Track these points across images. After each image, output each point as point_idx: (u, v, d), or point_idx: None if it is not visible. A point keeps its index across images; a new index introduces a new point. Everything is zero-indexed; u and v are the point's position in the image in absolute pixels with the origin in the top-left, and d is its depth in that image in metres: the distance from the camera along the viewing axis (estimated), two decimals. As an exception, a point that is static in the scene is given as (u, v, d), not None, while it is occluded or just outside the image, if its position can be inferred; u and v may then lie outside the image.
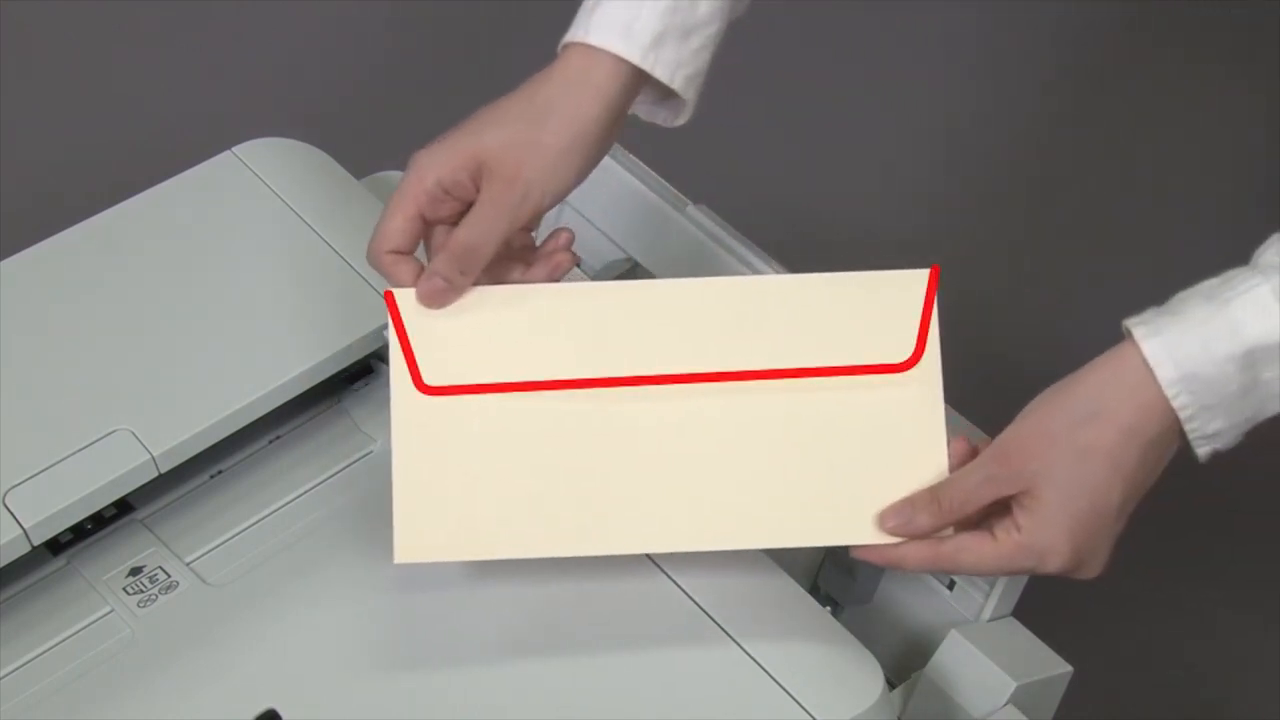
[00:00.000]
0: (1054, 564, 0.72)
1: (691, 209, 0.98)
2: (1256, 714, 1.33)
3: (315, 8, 1.79)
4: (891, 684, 0.81)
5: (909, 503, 0.74)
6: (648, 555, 0.79)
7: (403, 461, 0.73)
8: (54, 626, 0.78)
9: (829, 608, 0.89)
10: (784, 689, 0.74)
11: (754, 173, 1.55)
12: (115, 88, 1.71)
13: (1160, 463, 0.73)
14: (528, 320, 0.76)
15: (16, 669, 0.76)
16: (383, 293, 0.76)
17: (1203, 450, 0.73)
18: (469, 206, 0.76)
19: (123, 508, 0.82)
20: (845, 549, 0.87)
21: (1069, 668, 0.83)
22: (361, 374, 0.89)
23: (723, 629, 0.76)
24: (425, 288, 0.75)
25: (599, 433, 0.74)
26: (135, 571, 0.80)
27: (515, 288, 0.77)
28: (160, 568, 0.80)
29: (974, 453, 0.75)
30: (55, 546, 0.80)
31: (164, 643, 0.76)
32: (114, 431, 0.79)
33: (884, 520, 0.74)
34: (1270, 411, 0.71)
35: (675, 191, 0.98)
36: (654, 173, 0.96)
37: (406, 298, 0.75)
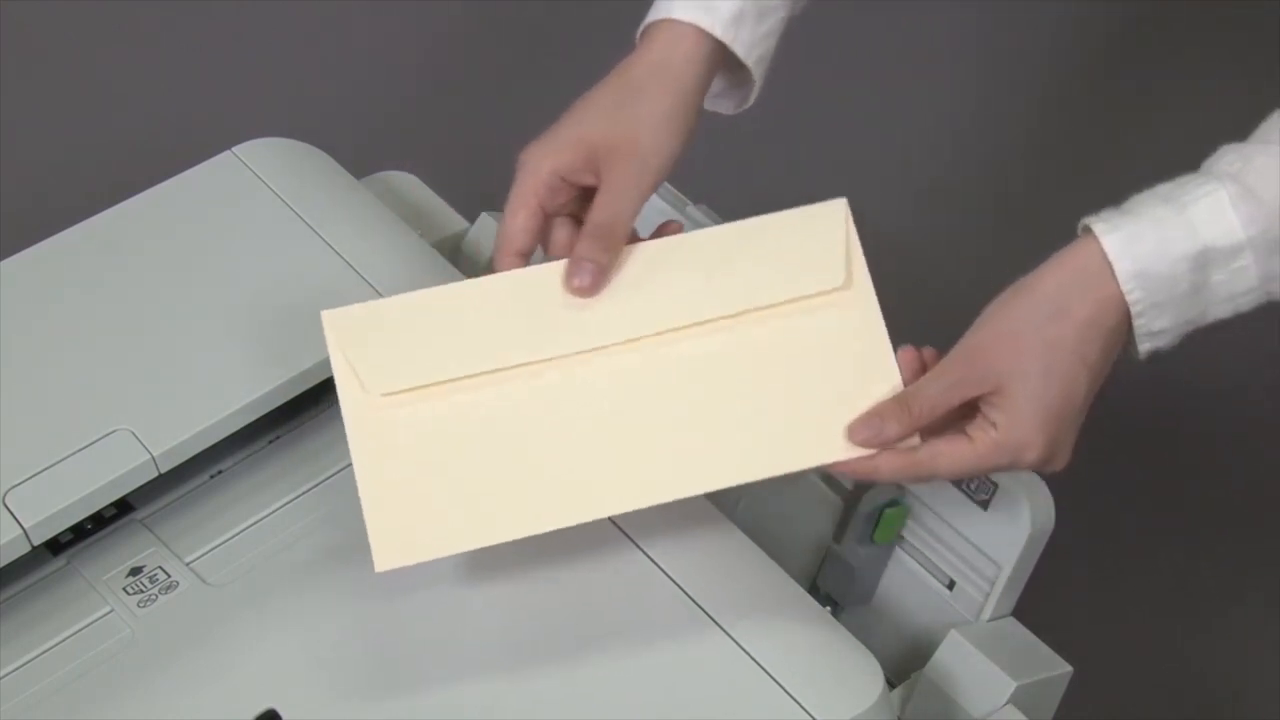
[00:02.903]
0: (1029, 458, 0.73)
1: (691, 209, 0.98)
2: (1257, 714, 1.33)
3: (315, 8, 1.79)
4: (891, 684, 0.81)
5: (876, 414, 0.74)
6: (649, 556, 0.78)
7: (365, 472, 0.73)
8: (54, 626, 0.78)
9: (829, 608, 0.89)
10: (784, 689, 0.74)
11: (754, 173, 1.55)
12: (115, 88, 1.70)
13: (1115, 353, 0.75)
14: (459, 315, 0.76)
15: (16, 669, 0.76)
16: (322, 312, 0.75)
17: (1144, 347, 0.75)
18: (584, 194, 0.77)
19: (123, 508, 0.82)
20: (844, 548, 0.88)
21: (1069, 668, 0.83)
22: (361, 374, 0.89)
23: (723, 629, 0.76)
24: (579, 276, 0.75)
25: (552, 407, 0.75)
26: (135, 571, 0.80)
27: (439, 288, 0.77)
28: (160, 568, 0.80)
29: (921, 360, 0.76)
30: (55, 546, 0.80)
31: (164, 643, 0.76)
32: (114, 431, 0.79)
33: (854, 434, 0.74)
34: (1213, 316, 0.74)
35: (675, 191, 0.98)
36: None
37: (340, 316, 0.75)
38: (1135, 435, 1.49)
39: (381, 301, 0.77)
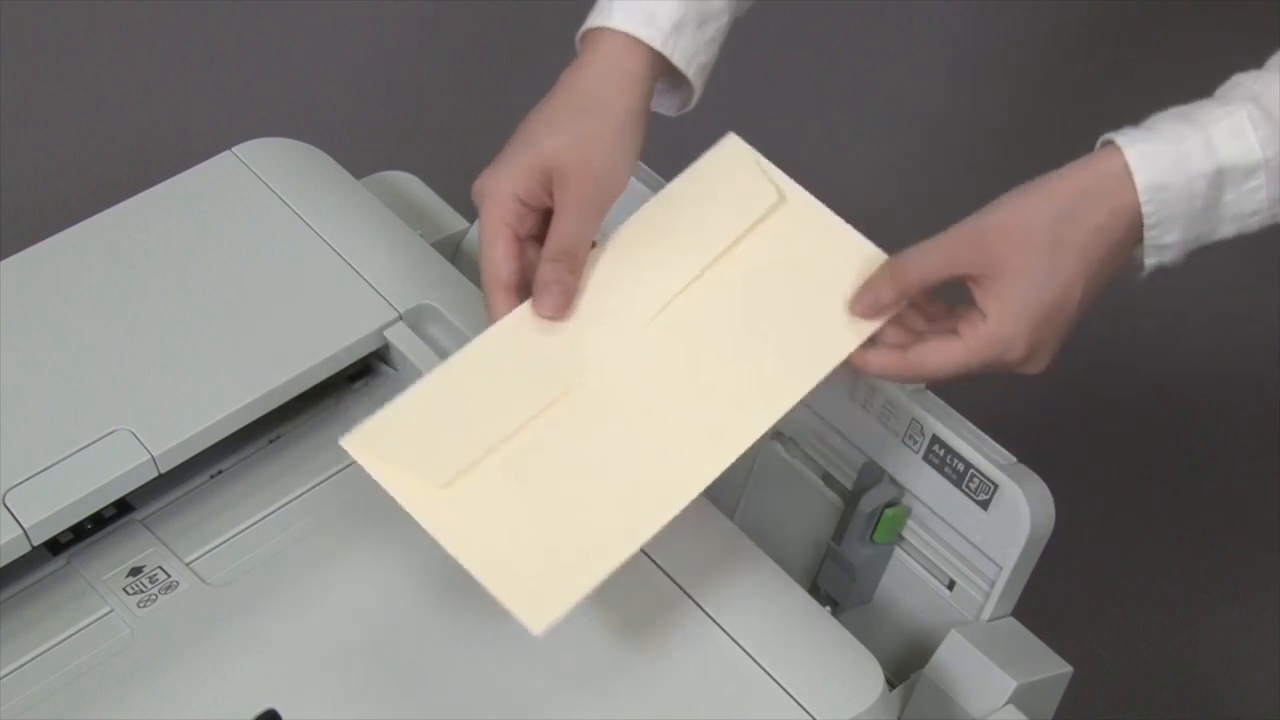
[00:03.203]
0: (1014, 355, 0.75)
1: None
2: (1256, 714, 1.33)
3: (315, 8, 1.79)
4: (891, 684, 0.81)
5: (870, 285, 0.77)
6: (649, 556, 0.78)
7: (467, 556, 0.71)
8: (54, 626, 0.78)
9: (829, 608, 0.89)
10: (784, 689, 0.74)
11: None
12: (115, 88, 1.70)
13: (1118, 265, 0.76)
14: (468, 387, 0.75)
15: (16, 669, 0.76)
16: (341, 443, 0.73)
17: (1151, 261, 0.76)
18: (546, 215, 0.77)
19: (123, 508, 0.82)
20: (844, 548, 0.88)
21: (1069, 668, 0.83)
22: (361, 374, 0.89)
23: (723, 629, 0.76)
24: (548, 300, 0.76)
25: (592, 423, 0.75)
26: (135, 571, 0.80)
27: (436, 372, 0.76)
28: (160, 568, 0.80)
29: None
30: (55, 546, 0.80)
31: (164, 643, 0.76)
32: (114, 431, 0.79)
33: (854, 308, 0.77)
34: (1220, 234, 0.75)
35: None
36: (654, 172, 0.96)
37: (360, 439, 0.73)
38: (1135, 435, 1.50)
39: (390, 407, 0.74)
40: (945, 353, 0.75)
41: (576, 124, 0.77)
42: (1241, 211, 0.74)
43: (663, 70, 0.81)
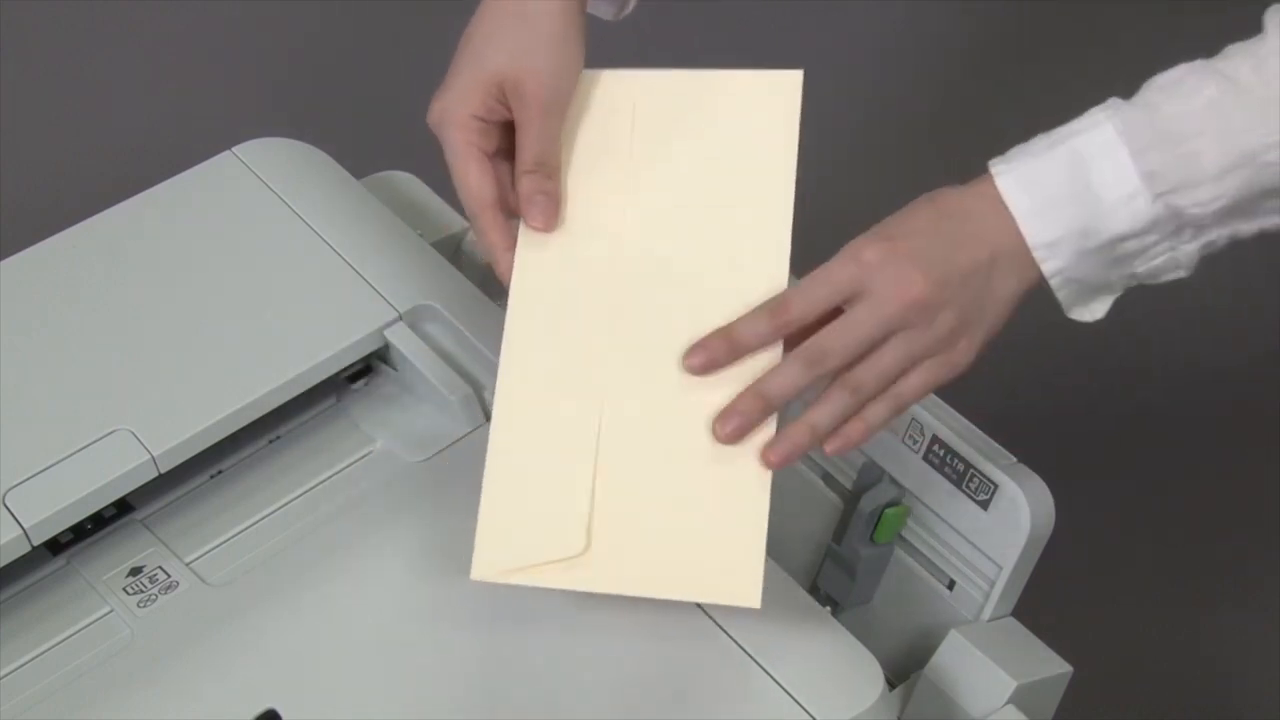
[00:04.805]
0: (868, 253, 0.72)
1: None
2: (1257, 714, 1.33)
3: (316, 8, 1.79)
4: (891, 684, 0.81)
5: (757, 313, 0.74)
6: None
7: (658, 588, 0.73)
8: (54, 626, 0.78)
9: (829, 608, 0.89)
10: (784, 689, 0.74)
11: None
12: (116, 88, 1.70)
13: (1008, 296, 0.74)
14: (528, 452, 0.74)
15: (16, 669, 0.76)
16: (473, 578, 0.73)
17: (1046, 267, 0.74)
18: (507, 126, 0.78)
19: (123, 508, 0.82)
20: (844, 548, 0.88)
21: (1069, 668, 0.83)
22: (361, 374, 0.89)
23: (722, 629, 0.76)
24: (536, 212, 0.76)
25: (647, 423, 0.74)
26: (135, 571, 0.80)
27: (491, 451, 0.75)
28: (160, 568, 0.80)
29: None
30: (55, 546, 0.80)
31: (164, 643, 0.76)
32: (114, 431, 0.79)
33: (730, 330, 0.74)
34: (1113, 224, 0.72)
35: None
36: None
37: (485, 562, 0.73)
38: (1135, 435, 1.50)
39: (482, 519, 0.73)
40: (837, 326, 0.72)
41: (517, 34, 0.77)
42: (1124, 193, 0.71)
43: None
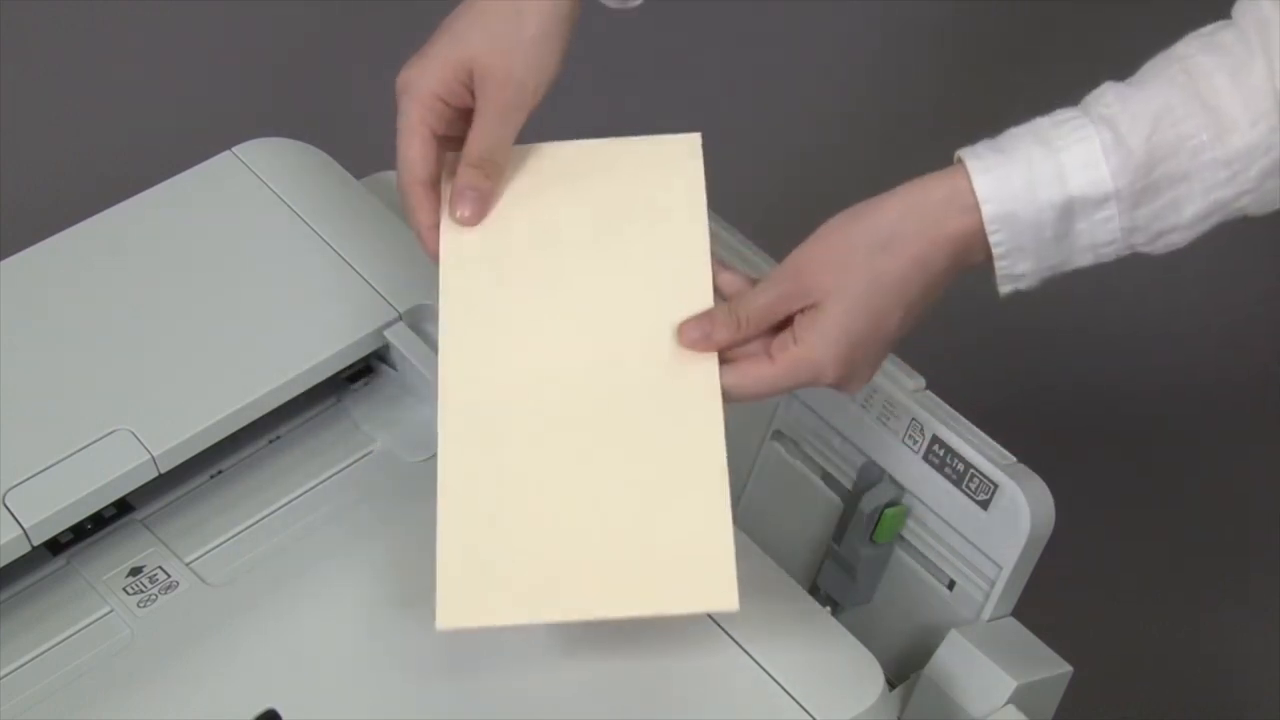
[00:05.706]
0: (829, 377, 0.74)
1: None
2: (1257, 713, 1.33)
3: (316, 8, 1.79)
4: (891, 684, 0.81)
5: (708, 317, 0.75)
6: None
7: (634, 604, 0.72)
8: (54, 626, 0.78)
9: (829, 608, 0.89)
10: (784, 689, 0.74)
11: (746, 171, 1.55)
12: (115, 88, 1.70)
13: (942, 287, 0.74)
14: (480, 493, 0.74)
15: (16, 669, 0.76)
16: (438, 628, 0.71)
17: (1005, 289, 0.74)
18: (465, 113, 0.78)
19: (123, 508, 0.82)
20: (844, 548, 0.88)
21: (1069, 668, 0.83)
22: (361, 374, 0.89)
23: (723, 629, 0.76)
24: (465, 206, 0.77)
25: (583, 469, 0.74)
26: (135, 571, 0.80)
27: (441, 499, 0.74)
28: (160, 568, 0.80)
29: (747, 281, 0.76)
30: (55, 546, 0.80)
31: (164, 643, 0.76)
32: (114, 431, 0.79)
33: (684, 334, 0.75)
34: (1076, 263, 0.73)
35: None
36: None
37: (449, 609, 0.71)
38: (1135, 436, 1.50)
39: (441, 568, 0.72)
40: (758, 375, 0.74)
41: (503, 26, 0.77)
42: (1095, 241, 0.72)
43: None
